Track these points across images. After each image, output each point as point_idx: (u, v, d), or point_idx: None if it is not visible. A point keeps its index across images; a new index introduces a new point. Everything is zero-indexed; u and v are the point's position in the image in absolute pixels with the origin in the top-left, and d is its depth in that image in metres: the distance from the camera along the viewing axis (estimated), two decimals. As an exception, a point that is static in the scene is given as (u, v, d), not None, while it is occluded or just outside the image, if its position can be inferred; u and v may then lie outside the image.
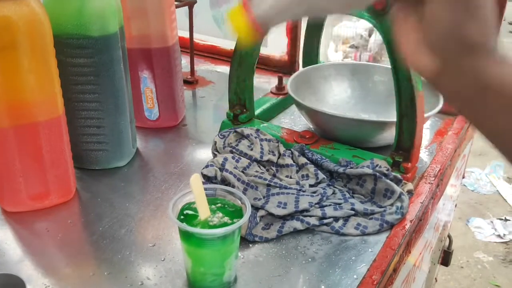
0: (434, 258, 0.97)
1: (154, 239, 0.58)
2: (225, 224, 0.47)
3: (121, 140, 0.71)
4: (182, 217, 0.49)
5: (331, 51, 3.07)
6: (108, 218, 0.62)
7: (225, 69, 1.12)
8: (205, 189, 0.49)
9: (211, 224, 0.48)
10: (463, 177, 1.01)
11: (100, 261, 0.55)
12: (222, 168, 0.65)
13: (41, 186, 0.62)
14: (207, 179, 0.65)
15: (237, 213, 0.50)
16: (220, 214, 0.49)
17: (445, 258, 1.06)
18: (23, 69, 0.55)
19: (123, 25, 0.69)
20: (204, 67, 1.13)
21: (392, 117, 0.69)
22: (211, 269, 0.49)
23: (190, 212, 0.50)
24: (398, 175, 0.65)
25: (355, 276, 0.52)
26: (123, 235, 0.59)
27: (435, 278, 1.11)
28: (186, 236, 0.48)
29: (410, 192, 0.64)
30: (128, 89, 0.72)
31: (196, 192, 0.48)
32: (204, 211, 0.48)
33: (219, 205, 0.51)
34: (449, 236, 1.06)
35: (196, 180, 0.48)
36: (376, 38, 3.08)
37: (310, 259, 0.55)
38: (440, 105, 0.72)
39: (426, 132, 0.82)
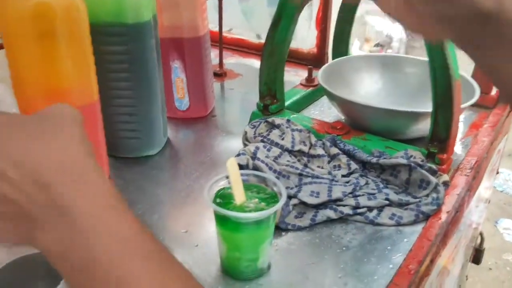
0: (467, 255, 0.95)
1: (187, 226, 0.58)
2: (261, 210, 0.47)
3: (152, 129, 0.72)
4: (217, 201, 0.49)
5: (355, 49, 3.05)
6: (141, 204, 0.62)
7: (253, 62, 1.12)
8: (241, 174, 0.49)
9: (247, 209, 0.47)
10: (497, 173, 0.99)
11: (134, 246, 0.55)
12: (254, 157, 0.65)
13: (76, 172, 0.62)
14: (239, 167, 0.65)
15: (272, 199, 0.49)
16: (256, 200, 0.49)
17: (477, 256, 1.04)
18: (61, 55, 0.56)
19: (156, 14, 0.69)
20: (232, 61, 1.13)
21: (425, 108, 0.67)
22: (246, 254, 0.49)
23: (224, 197, 0.49)
24: (433, 166, 0.63)
25: (390, 266, 0.52)
26: (156, 221, 0.59)
27: (466, 276, 1.08)
28: (222, 220, 0.47)
29: (445, 184, 0.63)
30: (160, 78, 0.72)
31: (232, 176, 0.47)
32: (240, 196, 0.48)
33: (255, 190, 0.50)
34: (481, 234, 1.03)
35: (232, 165, 0.47)
36: (402, 35, 3.04)
37: (344, 248, 0.54)
38: (477, 95, 0.70)
39: (460, 125, 0.80)
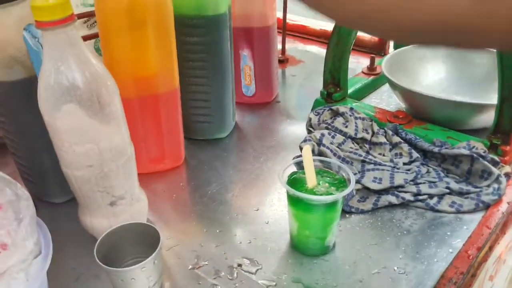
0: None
1: (258, 204, 0.64)
2: (331, 194, 0.52)
3: (224, 113, 0.77)
4: (289, 184, 0.54)
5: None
6: (215, 183, 0.69)
7: (315, 48, 1.15)
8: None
9: (318, 192, 0.52)
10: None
11: (211, 220, 0.61)
12: (319, 143, 0.69)
13: (158, 151, 0.69)
14: (305, 152, 0.69)
15: (340, 184, 0.53)
16: (327, 184, 0.53)
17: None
18: (150, 45, 0.62)
19: (231, 5, 0.74)
20: (293, 46, 1.17)
21: (488, 100, 0.69)
22: (315, 233, 0.54)
23: (295, 181, 0.54)
24: (496, 158, 0.65)
25: (450, 250, 0.55)
26: (230, 198, 0.65)
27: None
28: (295, 201, 0.52)
29: (507, 175, 0.65)
30: (232, 66, 0.77)
31: (306, 162, 0.52)
32: (312, 180, 0.52)
33: (324, 175, 0.55)
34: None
35: (307, 151, 0.52)
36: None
37: (405, 232, 0.58)
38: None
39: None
